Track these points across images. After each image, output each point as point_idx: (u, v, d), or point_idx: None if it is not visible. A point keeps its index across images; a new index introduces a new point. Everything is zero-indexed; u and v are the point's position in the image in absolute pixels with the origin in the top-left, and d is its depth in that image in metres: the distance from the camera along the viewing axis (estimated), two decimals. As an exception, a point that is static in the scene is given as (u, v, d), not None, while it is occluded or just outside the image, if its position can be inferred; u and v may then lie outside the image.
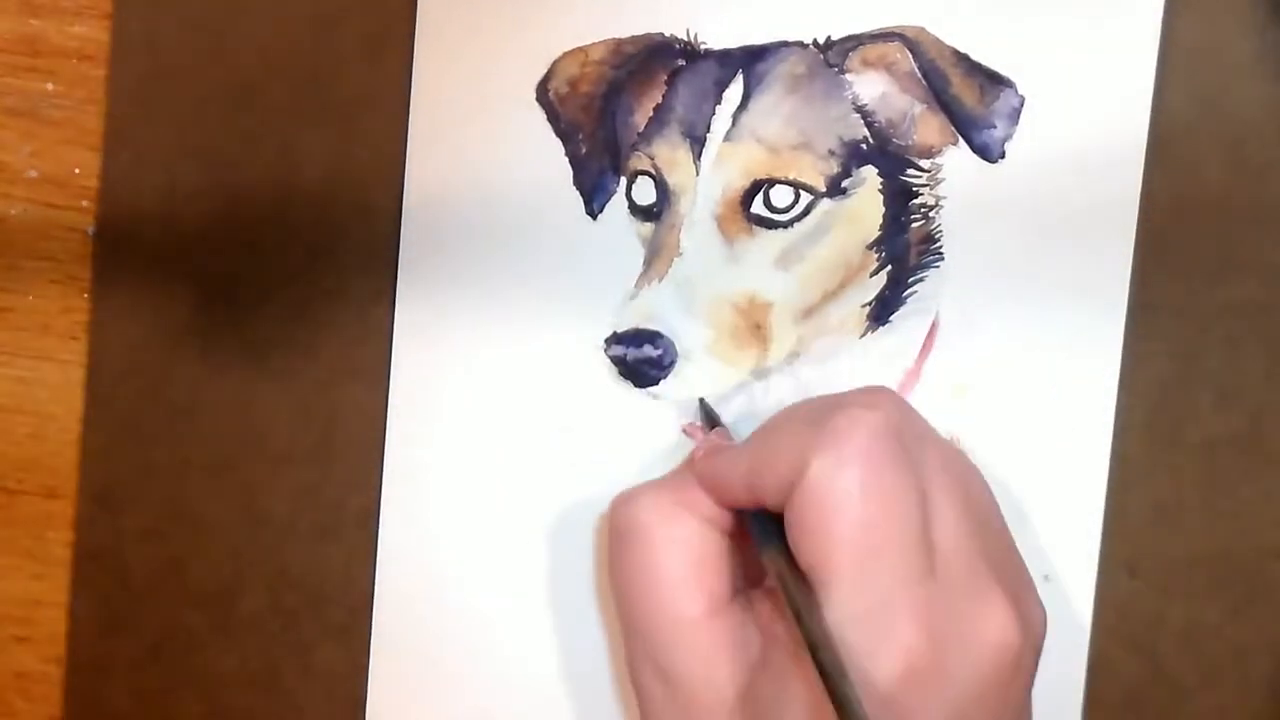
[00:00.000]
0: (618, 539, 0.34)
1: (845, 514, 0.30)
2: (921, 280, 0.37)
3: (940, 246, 0.37)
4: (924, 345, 0.37)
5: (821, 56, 0.37)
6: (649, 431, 0.38)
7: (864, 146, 0.37)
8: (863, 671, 0.29)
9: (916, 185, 0.37)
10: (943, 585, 0.31)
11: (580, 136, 0.38)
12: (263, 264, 0.39)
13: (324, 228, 0.39)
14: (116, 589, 0.40)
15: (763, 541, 0.32)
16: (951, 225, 0.37)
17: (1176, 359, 0.37)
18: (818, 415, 0.32)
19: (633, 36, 0.37)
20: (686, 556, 0.33)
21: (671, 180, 0.37)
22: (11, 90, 0.39)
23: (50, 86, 0.39)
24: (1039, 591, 0.33)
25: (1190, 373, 0.37)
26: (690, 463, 0.36)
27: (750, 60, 0.37)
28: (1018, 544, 0.34)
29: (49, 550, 0.40)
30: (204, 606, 0.40)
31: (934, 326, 0.37)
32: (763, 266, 0.37)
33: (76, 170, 0.39)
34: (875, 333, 0.37)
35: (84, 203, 0.40)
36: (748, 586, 0.35)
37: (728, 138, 0.37)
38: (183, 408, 0.40)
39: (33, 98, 0.39)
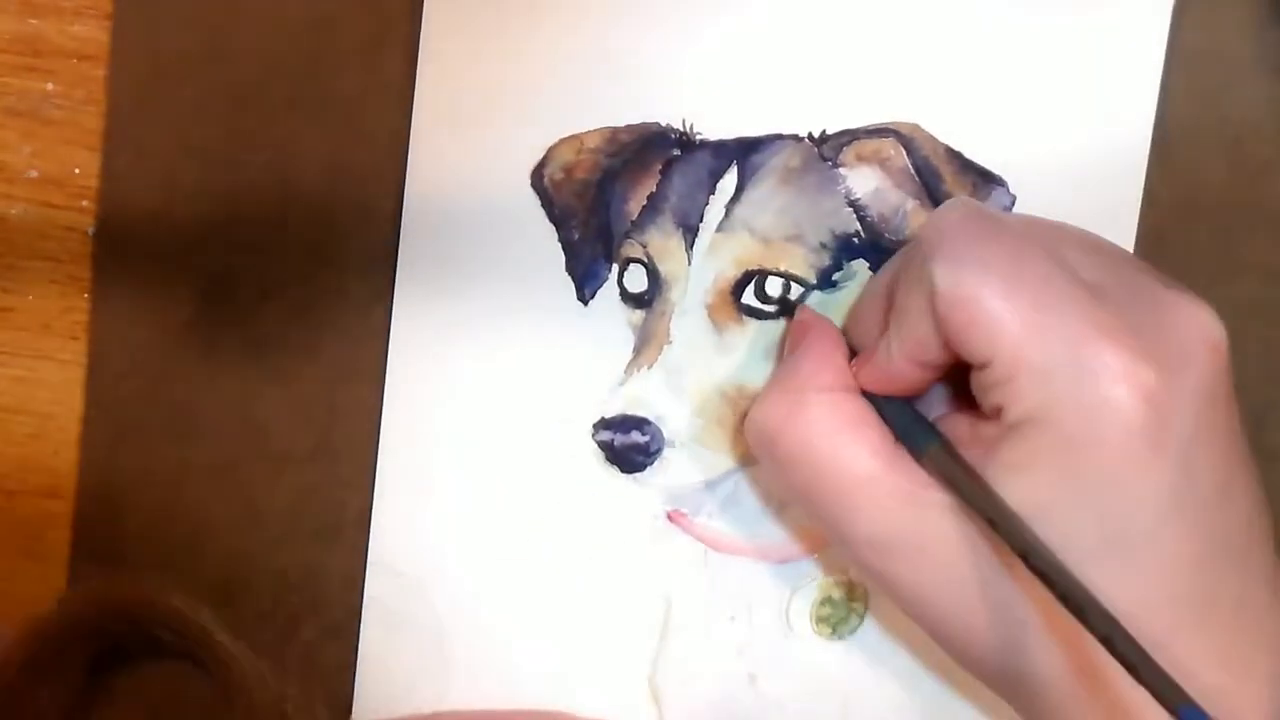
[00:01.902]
0: (763, 459, 0.34)
1: (985, 294, 0.29)
2: None
3: None
4: None
5: (816, 150, 0.37)
6: (633, 516, 0.38)
7: (856, 240, 0.37)
8: (1092, 418, 0.29)
9: None
10: (1119, 306, 0.30)
11: (574, 223, 0.38)
12: (263, 264, 0.39)
13: (324, 228, 0.39)
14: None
15: (925, 447, 0.32)
16: None
17: (1176, 359, 0.37)
18: (905, 251, 0.32)
19: (628, 125, 0.38)
20: (829, 434, 0.32)
21: (663, 268, 0.38)
22: (11, 90, 0.39)
23: (50, 86, 0.39)
24: None
25: (1190, 373, 0.37)
26: (796, 356, 0.34)
27: (745, 152, 0.37)
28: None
29: (49, 550, 0.40)
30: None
31: None
32: (752, 356, 0.37)
33: (76, 170, 0.39)
34: None
35: (84, 203, 0.40)
36: None
37: (720, 228, 0.37)
38: (183, 408, 0.40)
39: (33, 98, 0.39)
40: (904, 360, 0.32)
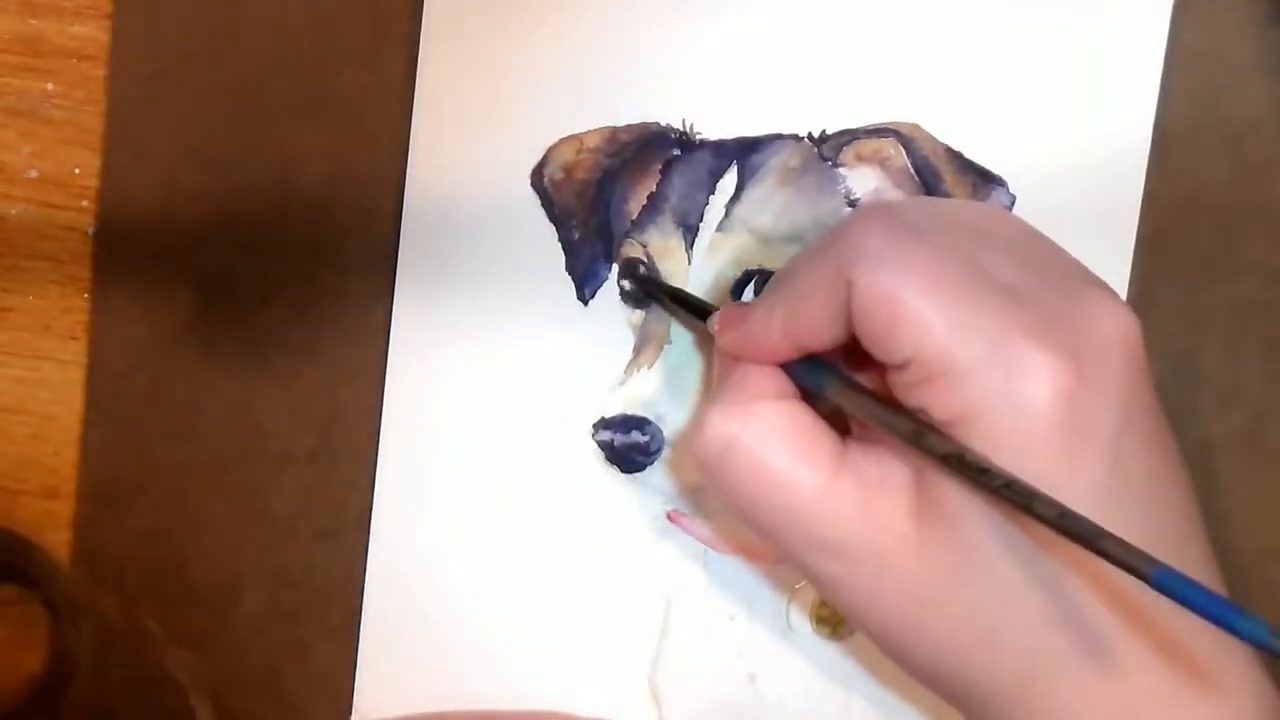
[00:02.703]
0: (716, 474, 0.33)
1: (910, 294, 0.29)
2: None
3: None
4: None
5: (816, 150, 0.37)
6: (633, 516, 0.38)
7: None
8: (1019, 417, 0.29)
9: None
10: (1037, 306, 0.30)
11: (574, 223, 0.38)
12: (263, 264, 0.39)
13: (324, 228, 0.39)
14: (116, 589, 0.40)
15: (826, 384, 0.32)
16: None
17: (1176, 359, 0.37)
18: (829, 239, 0.31)
19: (628, 125, 0.38)
20: (784, 441, 0.32)
21: (663, 268, 0.38)
22: (11, 90, 0.39)
23: (50, 86, 0.39)
24: None
25: (1190, 373, 0.37)
26: (723, 367, 0.35)
27: (745, 151, 0.37)
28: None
29: (48, 550, 0.40)
30: (203, 606, 0.40)
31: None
32: None
33: (76, 170, 0.39)
34: None
35: (84, 203, 0.40)
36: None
37: (720, 228, 0.37)
38: (183, 408, 0.40)
39: (33, 98, 0.39)
40: (782, 337, 0.32)
